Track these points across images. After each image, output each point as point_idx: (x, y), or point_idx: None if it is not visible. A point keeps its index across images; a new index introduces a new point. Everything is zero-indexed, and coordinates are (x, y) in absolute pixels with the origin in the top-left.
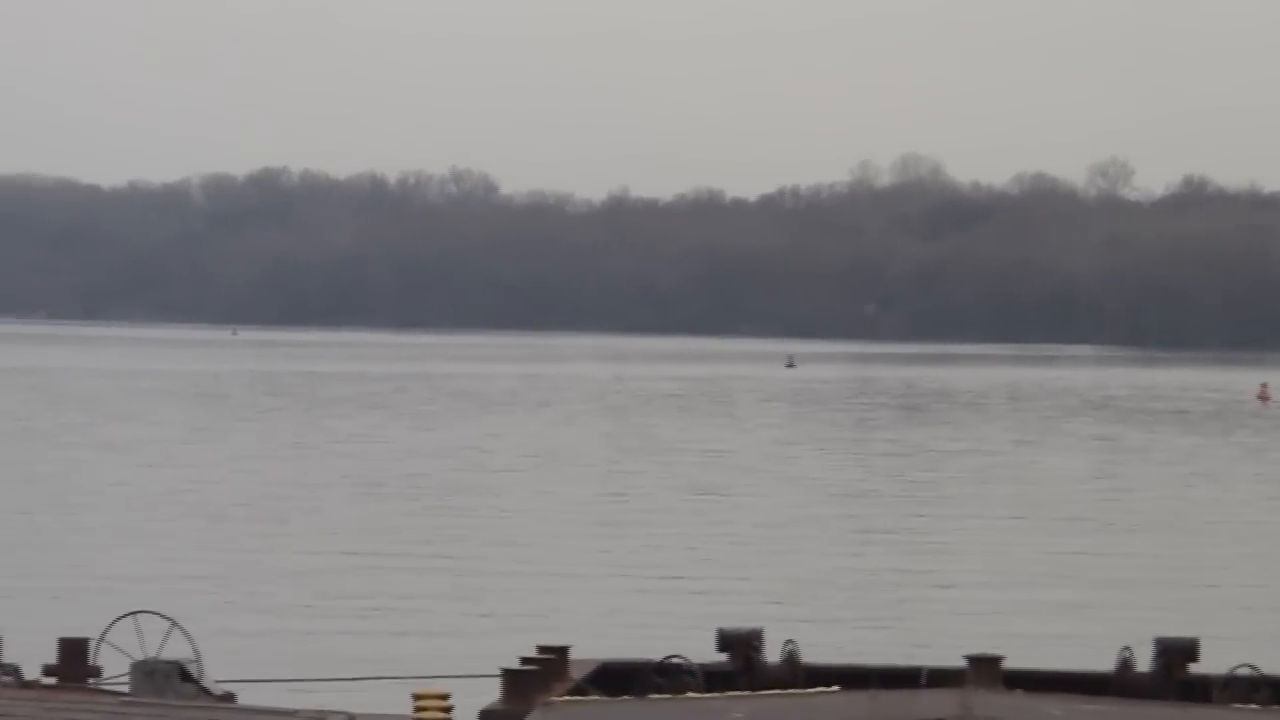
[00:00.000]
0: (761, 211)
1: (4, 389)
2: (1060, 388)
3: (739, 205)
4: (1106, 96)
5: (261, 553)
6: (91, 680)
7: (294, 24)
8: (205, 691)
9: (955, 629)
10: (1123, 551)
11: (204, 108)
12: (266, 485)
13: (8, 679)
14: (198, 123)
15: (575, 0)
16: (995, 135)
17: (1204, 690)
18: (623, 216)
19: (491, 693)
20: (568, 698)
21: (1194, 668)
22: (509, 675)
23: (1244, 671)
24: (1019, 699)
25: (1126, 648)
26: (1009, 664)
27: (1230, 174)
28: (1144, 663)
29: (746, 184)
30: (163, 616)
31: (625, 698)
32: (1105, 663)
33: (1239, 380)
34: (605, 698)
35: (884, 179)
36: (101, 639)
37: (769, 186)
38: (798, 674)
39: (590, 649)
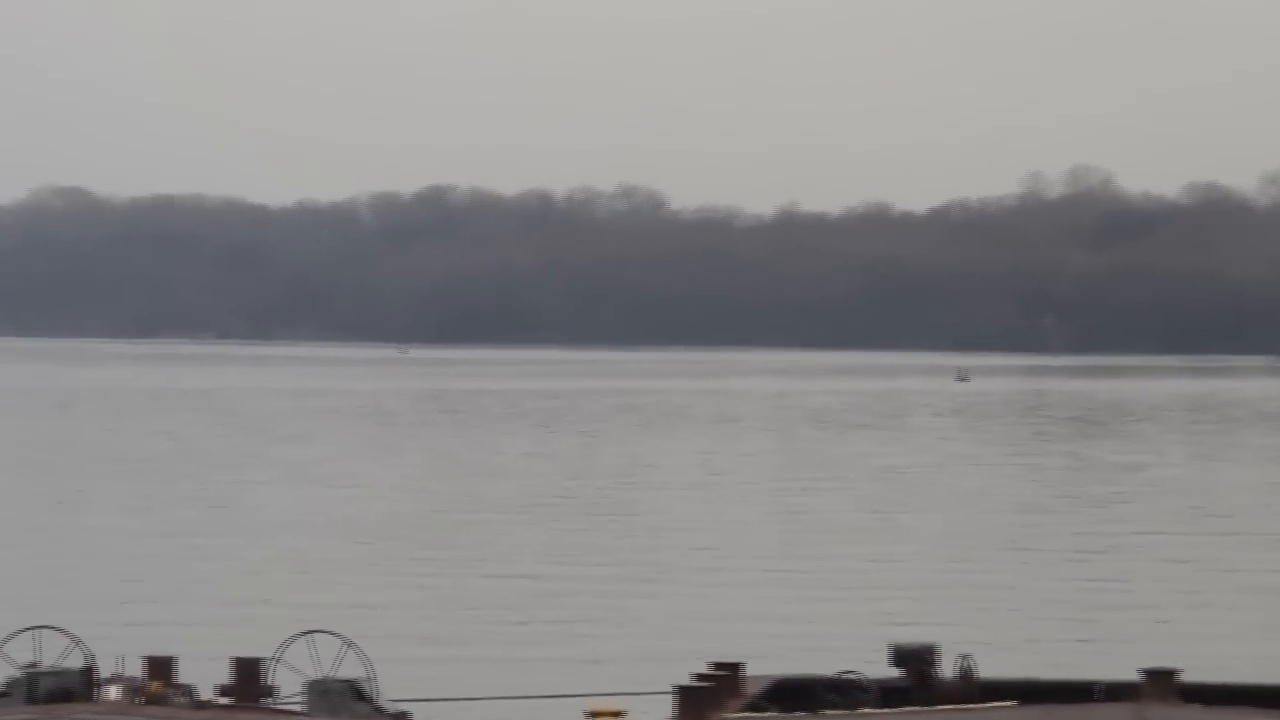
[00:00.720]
0: (930, 224)
1: (177, 409)
2: (1234, 399)
3: (908, 218)
4: None
5: (433, 572)
6: (266, 700)
7: (459, 44)
8: (379, 710)
9: (1130, 642)
10: None
11: (371, 126)
12: (437, 505)
13: (182, 699)
14: (365, 141)
15: (738, 18)
16: (1166, 145)
17: None
18: (791, 230)
19: (666, 710)
20: (742, 714)
21: None
22: (683, 692)
23: None
24: (1196, 712)
25: None
26: (1185, 677)
27: None
28: None
29: (915, 197)
30: (337, 636)
31: (799, 714)
32: None
33: None
34: (780, 714)
35: (1054, 190)
36: (276, 658)
37: (938, 199)
38: (972, 689)
39: (764, 665)
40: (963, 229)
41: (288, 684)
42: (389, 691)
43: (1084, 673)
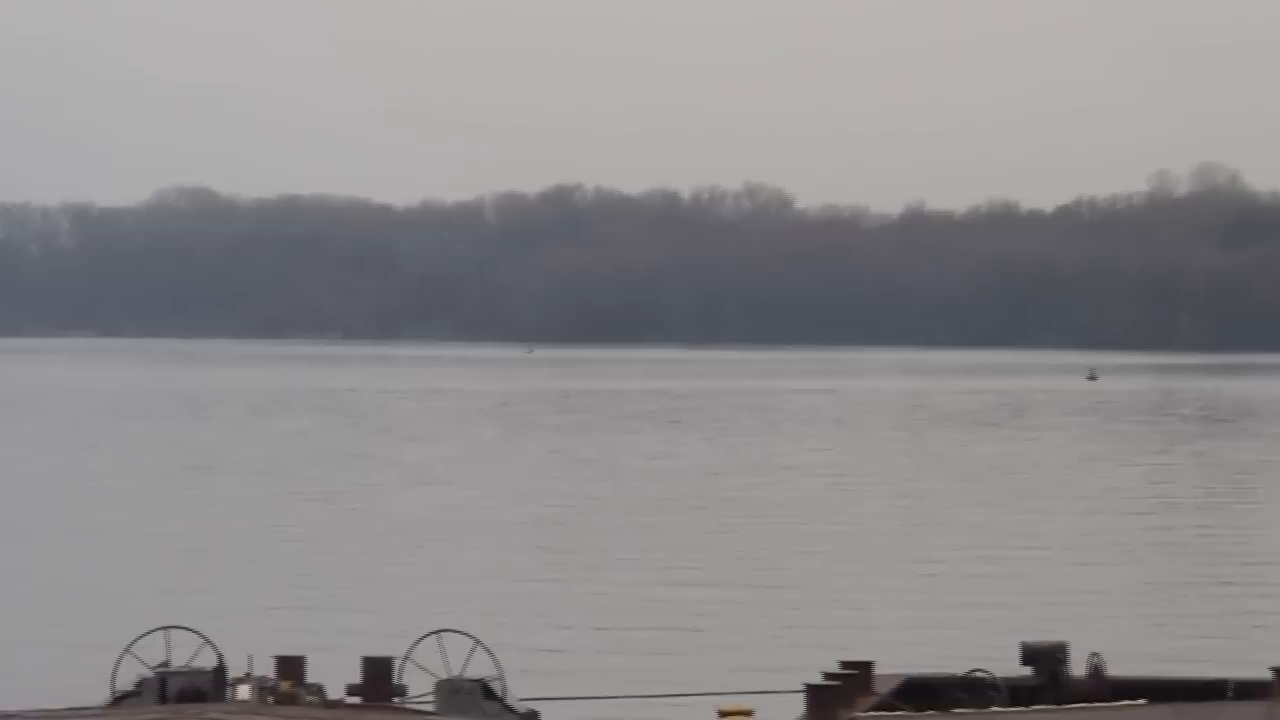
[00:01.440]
0: (1058, 222)
1: (305, 411)
2: None
3: (1035, 216)
4: None
5: (561, 571)
6: (395, 699)
7: (584, 45)
8: (509, 709)
9: (1262, 640)
10: None
11: (495, 125)
12: (565, 504)
13: (313, 699)
14: (489, 141)
15: (869, 17)
16: None
17: None
18: (918, 229)
19: (796, 708)
20: (873, 713)
21: None
22: (813, 691)
23: None
24: None
25: None
26: None
27: None
28: None
29: (1042, 195)
30: (466, 635)
31: (930, 713)
32: None
33: None
34: (910, 712)
35: (1182, 188)
36: (406, 658)
37: (1065, 197)
38: (1103, 687)
39: (894, 663)
40: (1090, 227)
41: (417, 683)
42: (518, 691)
43: (1215, 671)
